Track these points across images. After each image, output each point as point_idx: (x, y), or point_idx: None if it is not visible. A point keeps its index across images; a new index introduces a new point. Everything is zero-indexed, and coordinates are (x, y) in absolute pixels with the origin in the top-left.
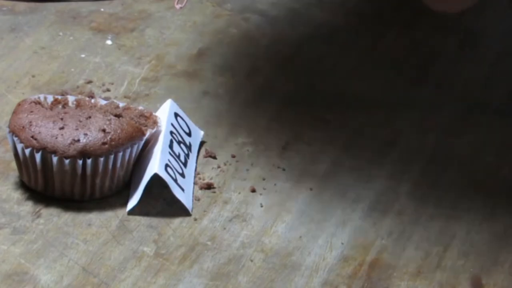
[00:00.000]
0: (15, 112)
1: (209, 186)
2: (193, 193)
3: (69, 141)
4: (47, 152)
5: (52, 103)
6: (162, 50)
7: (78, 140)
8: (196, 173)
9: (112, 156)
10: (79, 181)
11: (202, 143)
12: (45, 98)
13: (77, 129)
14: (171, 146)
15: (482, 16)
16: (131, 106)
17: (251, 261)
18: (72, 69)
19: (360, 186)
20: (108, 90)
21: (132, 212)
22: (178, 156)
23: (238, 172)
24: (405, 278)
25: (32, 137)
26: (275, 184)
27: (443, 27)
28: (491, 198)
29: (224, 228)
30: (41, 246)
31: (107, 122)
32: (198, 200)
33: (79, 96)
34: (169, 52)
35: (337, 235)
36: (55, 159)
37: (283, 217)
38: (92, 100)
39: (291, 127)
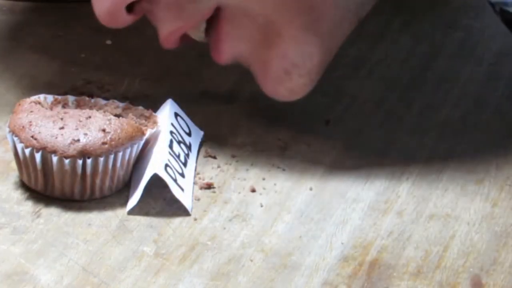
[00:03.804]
0: (15, 112)
1: (209, 186)
2: (193, 193)
3: (69, 141)
4: (47, 152)
5: (52, 103)
6: (162, 50)
7: (78, 140)
8: (196, 173)
9: (112, 156)
10: (79, 181)
11: (202, 143)
12: (45, 98)
13: (77, 129)
14: (171, 146)
15: (482, 16)
16: (131, 106)
17: (251, 261)
18: (72, 69)
19: (360, 186)
20: (108, 90)
21: (132, 212)
22: (178, 156)
23: (238, 172)
24: (405, 278)
25: (32, 137)
26: (275, 184)
27: (443, 26)
28: (491, 198)
29: (224, 228)
30: (41, 246)
31: (107, 122)
32: (198, 200)
33: (79, 96)
34: (169, 52)
35: (337, 235)
36: (55, 159)
37: (283, 217)
38: (92, 100)
39: (291, 127)
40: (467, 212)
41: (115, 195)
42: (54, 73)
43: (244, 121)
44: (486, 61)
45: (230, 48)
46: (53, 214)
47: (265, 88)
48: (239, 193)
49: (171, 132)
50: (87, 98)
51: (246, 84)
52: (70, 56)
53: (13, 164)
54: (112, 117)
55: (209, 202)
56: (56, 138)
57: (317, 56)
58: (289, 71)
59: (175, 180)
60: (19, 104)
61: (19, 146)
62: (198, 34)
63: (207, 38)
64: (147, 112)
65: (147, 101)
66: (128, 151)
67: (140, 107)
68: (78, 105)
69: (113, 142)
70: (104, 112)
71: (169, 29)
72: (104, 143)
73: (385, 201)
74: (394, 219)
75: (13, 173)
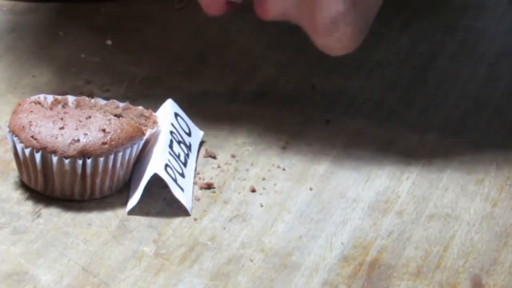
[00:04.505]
0: (15, 112)
1: (209, 186)
2: (192, 193)
3: (69, 141)
4: (47, 152)
5: (52, 103)
6: (162, 50)
7: (78, 140)
8: (196, 173)
9: (112, 156)
10: (79, 181)
11: (202, 143)
12: (45, 98)
13: (77, 129)
14: (171, 146)
15: (482, 16)
16: (131, 106)
17: (251, 261)
18: (72, 69)
19: (360, 186)
20: (108, 90)
21: (132, 212)
22: (178, 156)
23: (238, 172)
24: (405, 278)
25: (32, 137)
26: (275, 184)
27: (443, 26)
28: (491, 198)
29: (224, 228)
30: (41, 246)
31: (107, 122)
32: (198, 200)
33: (79, 96)
34: (169, 52)
35: (337, 235)
36: (55, 159)
37: (283, 217)
38: (92, 100)
39: (291, 127)
40: (467, 212)
41: (115, 195)
42: (54, 73)
43: (244, 121)
44: (486, 61)
45: (276, 4)
46: (53, 214)
47: (317, 42)
48: (239, 193)
49: (171, 132)
50: (87, 98)
51: (246, 84)
52: (70, 56)
53: (13, 164)
54: (112, 117)
55: (209, 202)
56: (56, 138)
57: (362, 4)
58: (336, 21)
59: (175, 180)
60: (19, 104)
61: (19, 146)
62: None
63: None
64: (147, 112)
65: (147, 101)
66: (128, 151)
67: (140, 107)
68: (78, 105)
69: (113, 142)
70: (104, 112)
71: None
72: (104, 143)
73: (385, 201)
74: (394, 219)
75: (13, 173)
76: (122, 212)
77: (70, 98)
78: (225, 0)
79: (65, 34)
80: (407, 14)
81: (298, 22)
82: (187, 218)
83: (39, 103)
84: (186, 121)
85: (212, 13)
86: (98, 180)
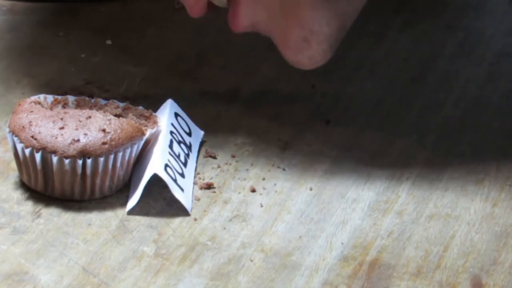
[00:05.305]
0: (15, 112)
1: (209, 186)
2: (192, 193)
3: (69, 141)
4: (47, 152)
5: (52, 103)
6: (162, 50)
7: (78, 140)
8: (196, 173)
9: (112, 156)
10: (79, 181)
11: (202, 143)
12: (45, 98)
13: (77, 129)
14: (171, 146)
15: (482, 16)
16: (131, 106)
17: (251, 261)
18: (72, 69)
19: (360, 186)
20: (108, 90)
21: (132, 212)
22: (178, 156)
23: (238, 172)
24: (405, 278)
25: (32, 137)
26: (275, 184)
27: (443, 26)
28: (491, 198)
29: (224, 228)
30: (41, 246)
31: (107, 122)
32: (198, 200)
33: (79, 96)
34: (169, 52)
35: (337, 235)
36: (55, 159)
37: (283, 217)
38: (92, 100)
39: (291, 127)
40: (467, 212)
41: (115, 195)
42: (54, 73)
43: (244, 121)
44: (486, 61)
45: (247, 14)
46: (53, 214)
47: (286, 57)
48: (239, 193)
49: (171, 132)
50: (87, 98)
51: (246, 84)
52: (70, 56)
53: (13, 164)
54: (112, 117)
55: (209, 202)
56: (56, 138)
57: (335, 22)
58: (308, 39)
59: (175, 180)
60: (19, 104)
61: (19, 146)
62: (221, 0)
63: (228, 4)
64: (147, 112)
65: (147, 101)
66: (128, 151)
67: (140, 107)
68: (78, 105)
69: (113, 142)
70: (104, 112)
71: None
72: (104, 143)
73: (385, 201)
74: (394, 219)
75: (13, 173)
76: (122, 212)
77: (70, 98)
78: (207, 1)
79: (65, 34)
80: (407, 14)
81: (269, 35)
82: (187, 218)
83: (39, 103)
84: (186, 121)
85: (195, 15)
86: (98, 180)
